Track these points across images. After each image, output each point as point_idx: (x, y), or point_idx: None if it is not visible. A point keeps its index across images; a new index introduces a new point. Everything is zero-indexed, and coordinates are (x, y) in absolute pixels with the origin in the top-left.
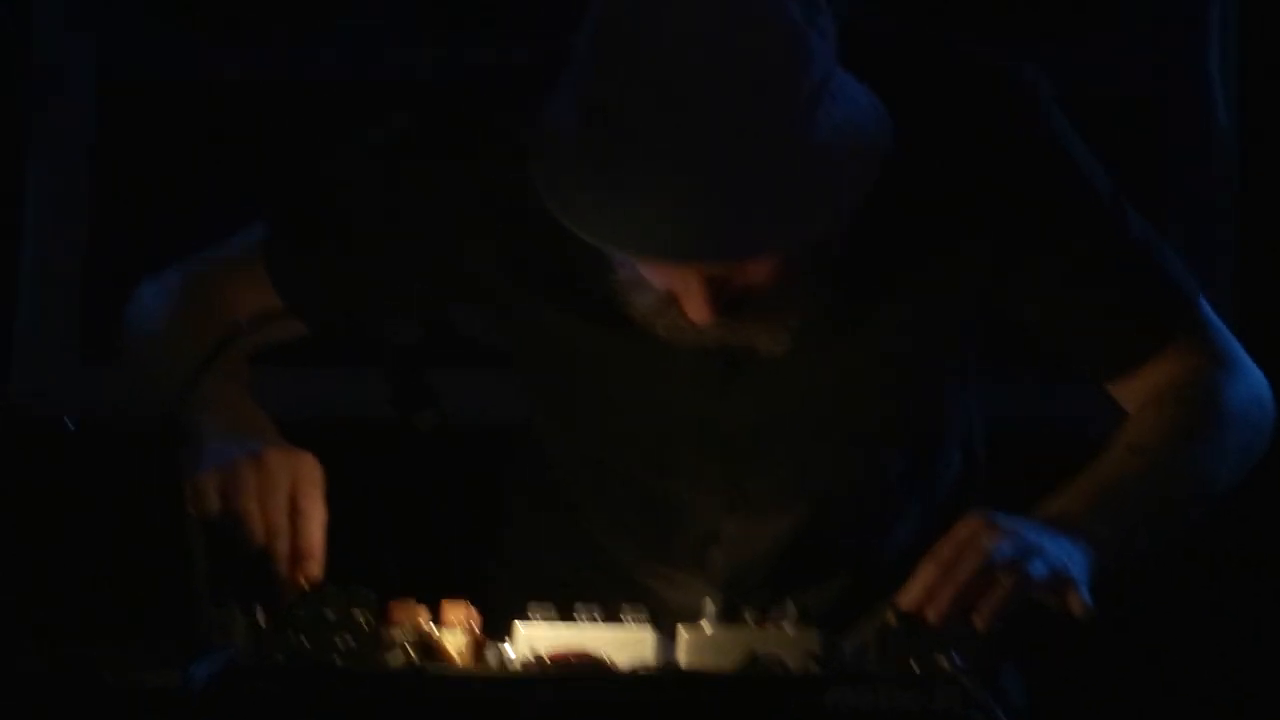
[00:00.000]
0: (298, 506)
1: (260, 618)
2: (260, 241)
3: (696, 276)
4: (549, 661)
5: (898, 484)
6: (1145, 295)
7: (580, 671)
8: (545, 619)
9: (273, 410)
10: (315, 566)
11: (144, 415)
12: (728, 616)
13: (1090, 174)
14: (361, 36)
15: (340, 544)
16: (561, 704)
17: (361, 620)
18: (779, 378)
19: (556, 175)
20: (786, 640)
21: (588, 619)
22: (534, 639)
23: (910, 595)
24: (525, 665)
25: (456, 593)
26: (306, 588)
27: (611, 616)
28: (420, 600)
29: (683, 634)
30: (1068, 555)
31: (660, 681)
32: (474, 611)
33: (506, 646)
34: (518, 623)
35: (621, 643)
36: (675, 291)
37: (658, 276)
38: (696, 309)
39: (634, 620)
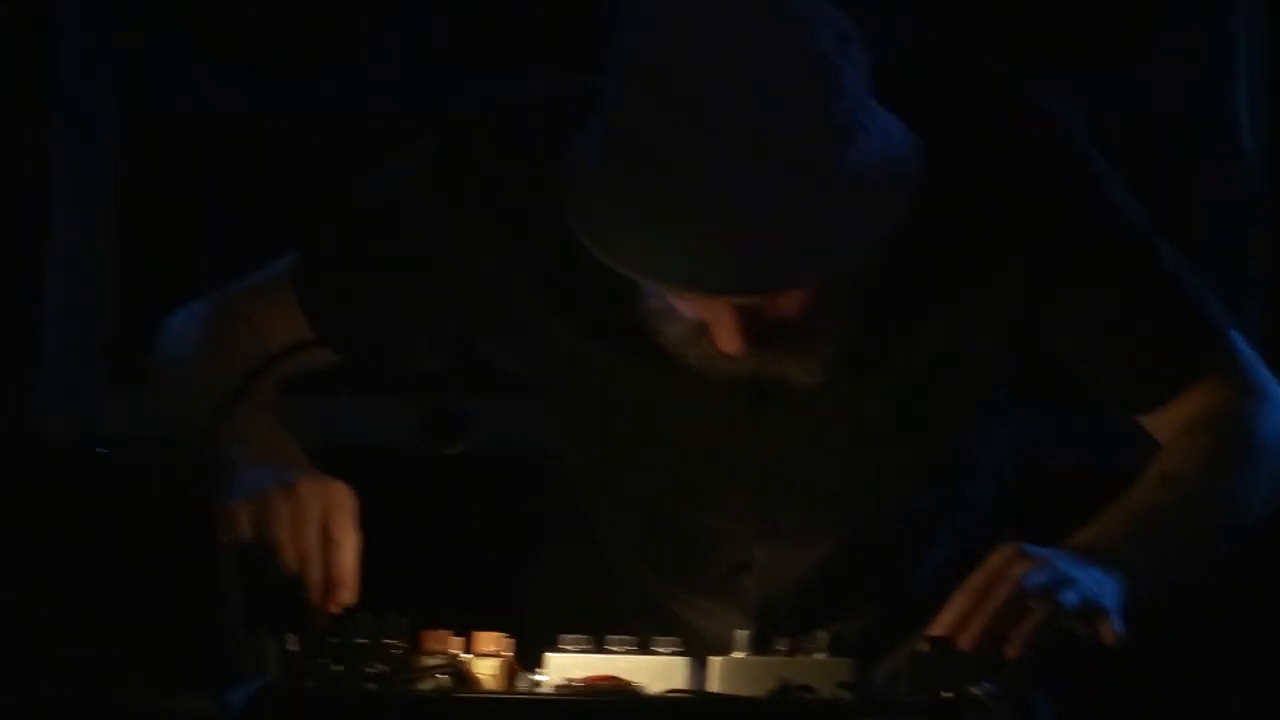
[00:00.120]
0: (330, 535)
1: (293, 645)
2: (290, 270)
3: (728, 307)
4: (581, 685)
5: (929, 514)
6: (1177, 328)
7: (610, 695)
8: (578, 649)
9: (305, 439)
10: (348, 594)
11: (171, 443)
12: (760, 646)
13: (1123, 207)
14: (388, 68)
15: (373, 572)
16: None
17: (394, 648)
18: (810, 408)
19: (588, 206)
20: (818, 669)
21: (621, 649)
22: (566, 668)
23: (942, 623)
24: (557, 689)
25: (489, 622)
26: (339, 615)
27: (644, 646)
28: (453, 629)
29: (714, 662)
30: (1100, 584)
31: (690, 706)
32: (507, 640)
33: (539, 675)
34: (550, 654)
35: (654, 671)
36: (707, 322)
37: (689, 307)
38: (728, 340)
39: (667, 650)
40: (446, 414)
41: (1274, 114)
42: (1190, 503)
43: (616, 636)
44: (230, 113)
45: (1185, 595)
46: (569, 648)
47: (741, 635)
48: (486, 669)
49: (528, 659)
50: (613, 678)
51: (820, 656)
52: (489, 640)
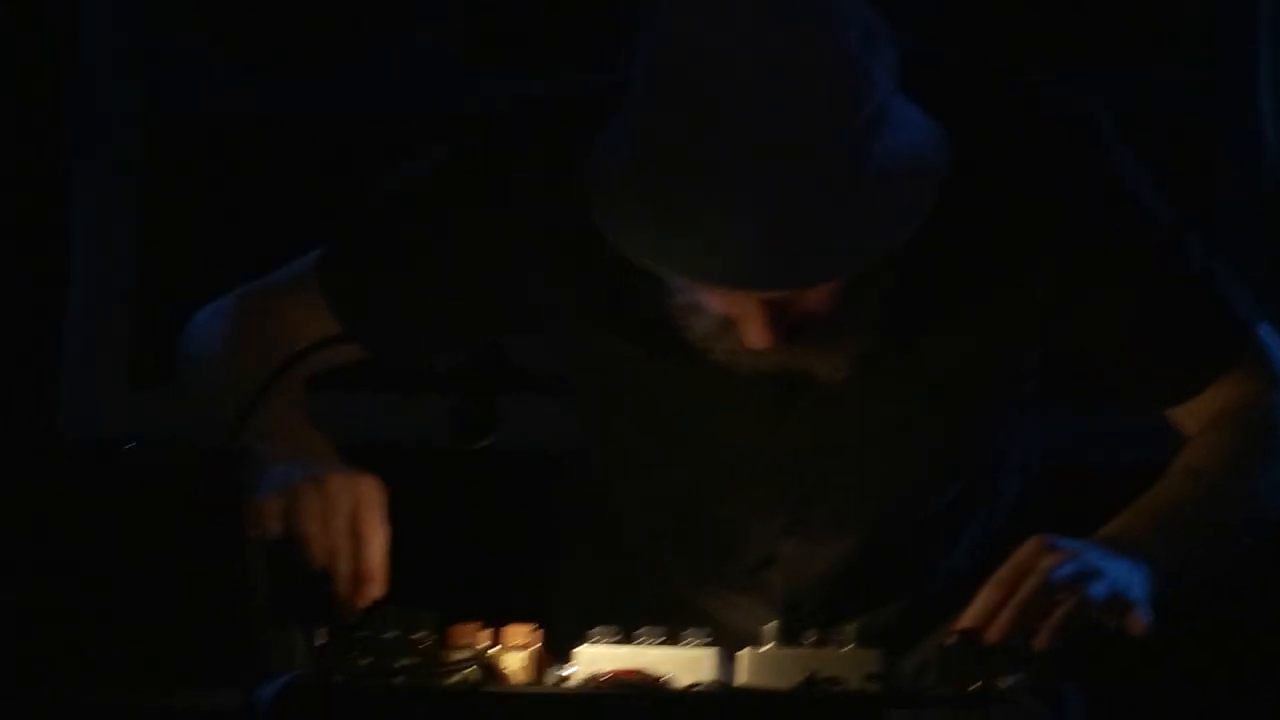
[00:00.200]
0: (358, 529)
1: (321, 640)
2: (317, 267)
3: (756, 302)
4: (607, 679)
5: (955, 507)
6: (1204, 322)
7: (636, 689)
8: (607, 641)
9: (331, 435)
10: (376, 588)
11: (195, 441)
12: (787, 638)
13: (1149, 203)
14: (408, 68)
15: (402, 567)
16: None
17: (422, 642)
18: (836, 403)
19: (615, 204)
20: (846, 661)
21: (650, 641)
22: (595, 661)
23: (971, 615)
24: (584, 683)
25: (518, 616)
26: (367, 610)
27: (673, 639)
28: (482, 623)
29: (743, 654)
30: (1128, 576)
31: (717, 700)
32: (536, 633)
33: (568, 669)
34: (580, 647)
35: (682, 664)
36: (734, 317)
37: (716, 302)
38: (755, 334)
39: (696, 642)
40: (474, 410)
41: None
42: (1216, 496)
43: (645, 628)
44: (250, 113)
45: (1215, 587)
46: (599, 639)
47: (769, 627)
48: (515, 662)
49: (556, 653)
50: (639, 672)
51: (848, 648)
52: (518, 633)
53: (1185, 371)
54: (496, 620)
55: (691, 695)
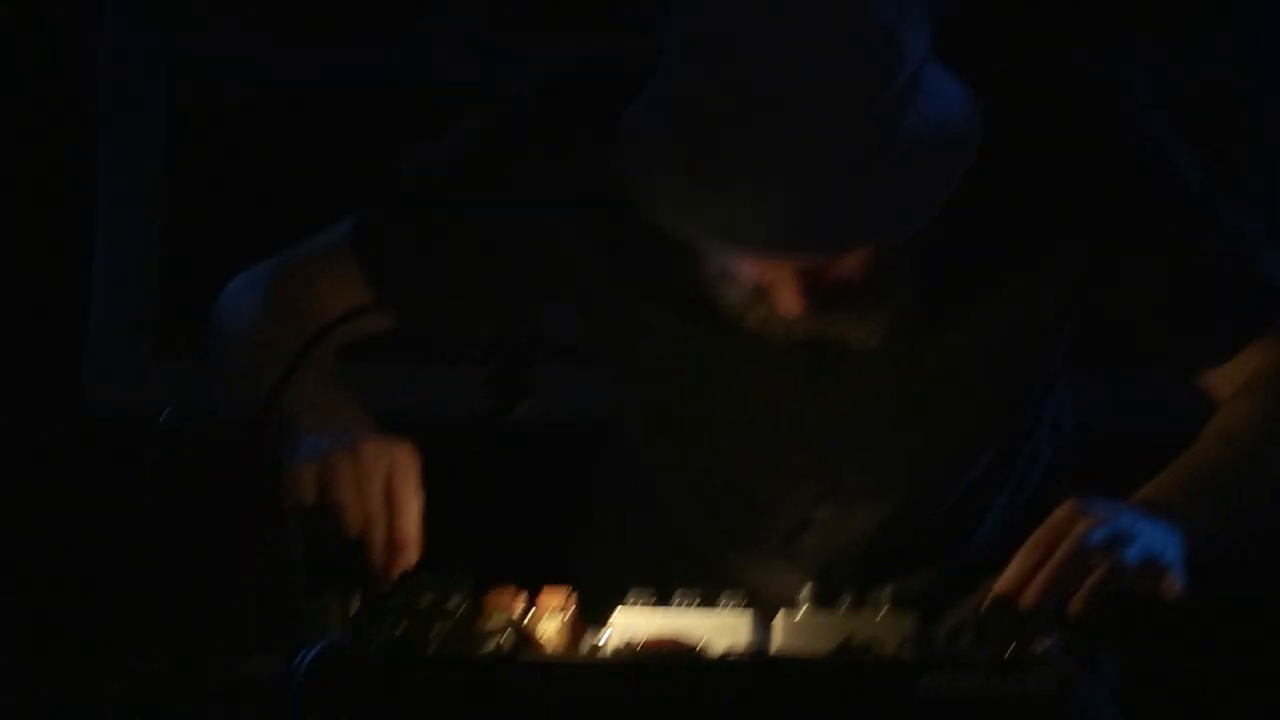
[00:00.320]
0: (393, 496)
1: (356, 607)
2: (351, 237)
3: (789, 270)
4: (641, 648)
5: (988, 474)
6: (1237, 287)
7: (671, 657)
8: (643, 605)
9: (365, 404)
10: (411, 555)
11: (225, 409)
12: (822, 603)
13: (1183, 168)
14: (440, 37)
15: (436, 534)
16: (653, 689)
17: (457, 608)
18: (869, 370)
19: (650, 173)
20: (881, 626)
21: (685, 604)
22: (631, 625)
23: (1005, 580)
24: (617, 651)
25: (552, 582)
26: (402, 577)
27: (709, 602)
28: (519, 587)
29: (778, 619)
30: (1162, 540)
31: (753, 666)
32: (571, 598)
33: (604, 633)
34: (617, 610)
35: (717, 628)
36: (766, 284)
37: (749, 270)
38: (789, 302)
39: (731, 606)
40: (509, 378)
41: None
42: (1250, 460)
43: (681, 592)
44: (279, 81)
45: (1249, 551)
46: (635, 602)
47: (805, 592)
48: (550, 628)
49: (589, 618)
50: (673, 640)
51: (883, 613)
52: (552, 598)
53: (1218, 336)
54: (531, 586)
55: (727, 661)
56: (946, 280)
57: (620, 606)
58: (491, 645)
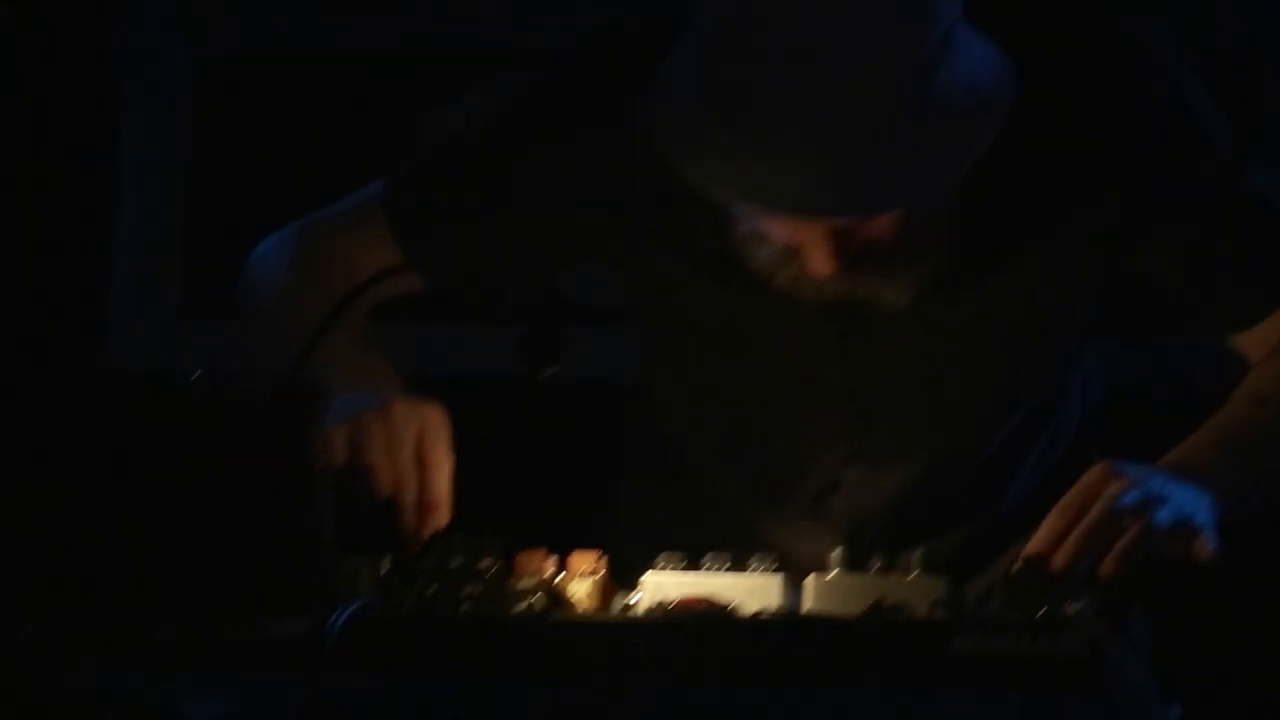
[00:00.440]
0: (424, 457)
1: (387, 568)
2: (380, 197)
3: (821, 230)
4: (674, 608)
5: (1018, 436)
6: (1268, 246)
7: (703, 616)
8: (673, 568)
9: (396, 366)
10: (442, 516)
11: (253, 371)
12: (853, 565)
13: (1214, 129)
14: (460, 6)
15: (469, 496)
16: (685, 649)
17: (488, 569)
18: (899, 332)
19: (682, 133)
20: (912, 587)
21: (716, 567)
22: (662, 588)
23: (1036, 542)
24: (648, 611)
25: (582, 545)
26: (433, 538)
27: (739, 565)
28: (549, 549)
29: (809, 580)
30: (1194, 502)
31: (785, 626)
32: (601, 561)
33: (634, 596)
34: (648, 573)
35: (748, 590)
36: (797, 245)
37: (780, 231)
38: (819, 262)
39: (761, 568)
40: (540, 339)
41: None
42: None
43: (711, 555)
44: (302, 47)
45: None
46: (665, 566)
47: (835, 554)
48: (580, 590)
49: (619, 581)
50: (706, 600)
51: (914, 575)
52: (583, 560)
53: (1250, 296)
54: (561, 549)
55: (760, 621)
56: (977, 241)
57: (650, 570)
58: (523, 606)
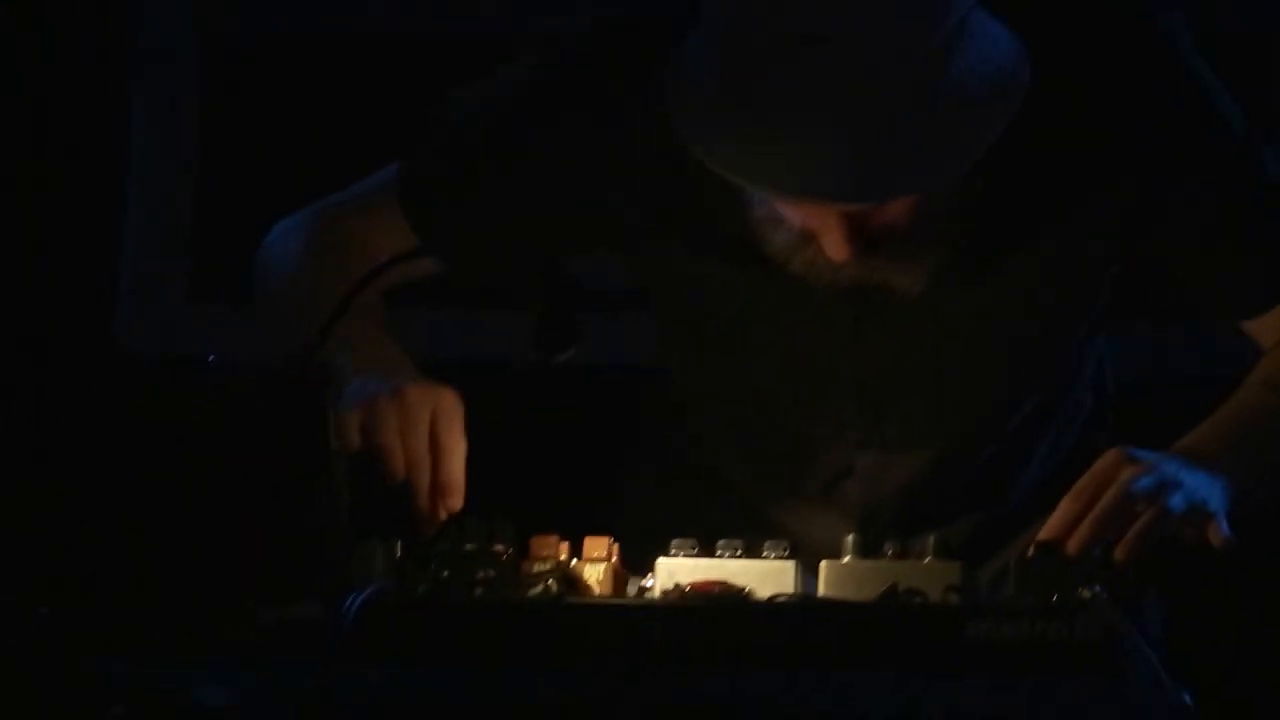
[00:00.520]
0: (438, 441)
1: (401, 551)
2: (396, 182)
3: (836, 215)
4: (688, 591)
5: (1031, 421)
6: None
7: (719, 600)
8: (687, 554)
9: (411, 350)
10: (456, 499)
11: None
12: (866, 551)
13: (1227, 117)
14: None
15: (482, 480)
16: (700, 633)
17: (502, 554)
18: (914, 317)
19: (698, 118)
20: (926, 572)
21: (729, 554)
22: (675, 573)
23: (1050, 527)
24: (663, 594)
25: (595, 530)
26: (447, 521)
27: (752, 553)
28: (561, 535)
29: (823, 566)
30: (1207, 488)
31: (800, 610)
32: (615, 546)
33: (647, 580)
34: (660, 559)
35: (762, 575)
36: (813, 229)
37: (796, 215)
38: (835, 247)
39: (775, 555)
40: (556, 323)
41: None
42: None
43: (724, 541)
44: (312, 29)
45: None
46: (678, 552)
47: (849, 540)
48: (594, 574)
49: (633, 566)
50: (721, 583)
51: (928, 560)
52: (597, 545)
53: (1262, 283)
54: (574, 533)
55: (775, 605)
56: (992, 228)
57: (663, 556)
58: (537, 590)
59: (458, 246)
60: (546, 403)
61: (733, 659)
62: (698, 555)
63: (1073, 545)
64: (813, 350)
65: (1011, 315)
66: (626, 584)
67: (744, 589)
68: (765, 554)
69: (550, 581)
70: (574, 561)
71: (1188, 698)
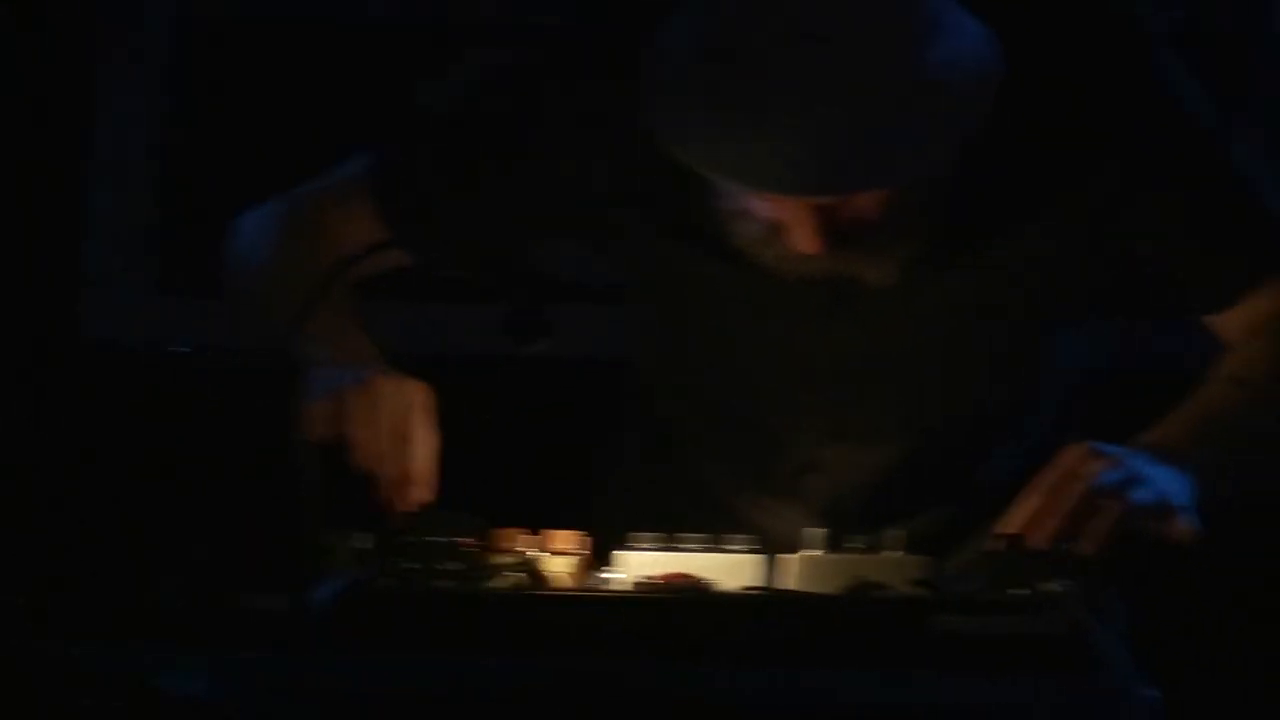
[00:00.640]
0: (407, 433)
1: (366, 543)
2: (365, 173)
3: (806, 208)
4: (656, 582)
5: (999, 414)
6: (1248, 226)
7: (685, 592)
8: (650, 546)
9: (381, 343)
10: (424, 492)
11: (235, 345)
12: (832, 545)
13: (1197, 109)
14: None
15: (451, 473)
16: (666, 624)
17: (470, 545)
18: (884, 310)
19: (668, 108)
20: (892, 566)
21: (693, 546)
22: (640, 566)
23: (1014, 521)
24: (631, 586)
25: (562, 523)
26: (414, 513)
27: (716, 546)
28: (527, 528)
29: (789, 560)
30: (1171, 482)
31: (766, 603)
32: (582, 539)
33: (612, 573)
34: (623, 551)
35: (726, 569)
36: (783, 222)
37: (765, 208)
38: (805, 240)
39: (740, 547)
40: (527, 315)
41: None
42: (1259, 405)
43: (688, 534)
44: (282, 14)
45: (1257, 495)
46: (641, 545)
47: (815, 533)
48: (561, 567)
49: (602, 557)
50: (688, 575)
51: (895, 554)
52: (564, 539)
53: (1228, 278)
54: (543, 526)
55: (741, 597)
56: (963, 220)
57: (625, 548)
58: (505, 583)
59: (425, 238)
60: (517, 396)
61: (698, 652)
62: (658, 548)
63: (1037, 539)
64: (781, 341)
65: (981, 309)
66: (591, 576)
67: (706, 581)
68: (729, 548)
69: (517, 574)
70: (542, 554)
71: (1154, 692)
